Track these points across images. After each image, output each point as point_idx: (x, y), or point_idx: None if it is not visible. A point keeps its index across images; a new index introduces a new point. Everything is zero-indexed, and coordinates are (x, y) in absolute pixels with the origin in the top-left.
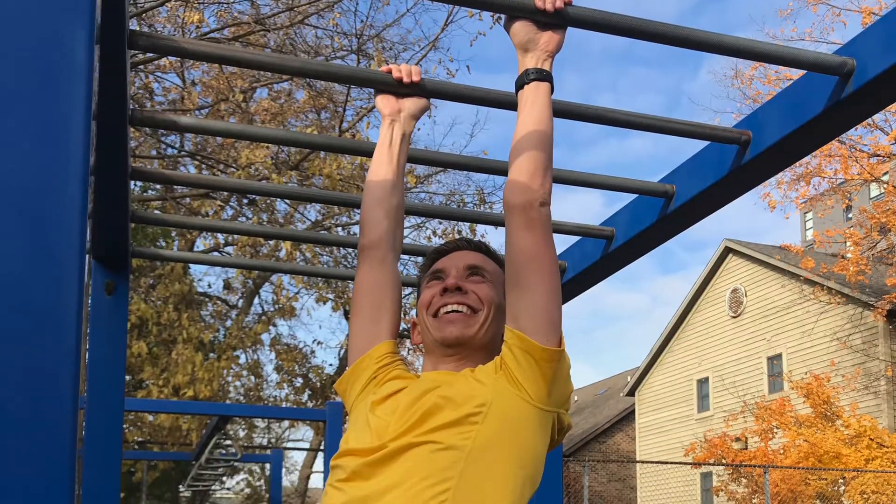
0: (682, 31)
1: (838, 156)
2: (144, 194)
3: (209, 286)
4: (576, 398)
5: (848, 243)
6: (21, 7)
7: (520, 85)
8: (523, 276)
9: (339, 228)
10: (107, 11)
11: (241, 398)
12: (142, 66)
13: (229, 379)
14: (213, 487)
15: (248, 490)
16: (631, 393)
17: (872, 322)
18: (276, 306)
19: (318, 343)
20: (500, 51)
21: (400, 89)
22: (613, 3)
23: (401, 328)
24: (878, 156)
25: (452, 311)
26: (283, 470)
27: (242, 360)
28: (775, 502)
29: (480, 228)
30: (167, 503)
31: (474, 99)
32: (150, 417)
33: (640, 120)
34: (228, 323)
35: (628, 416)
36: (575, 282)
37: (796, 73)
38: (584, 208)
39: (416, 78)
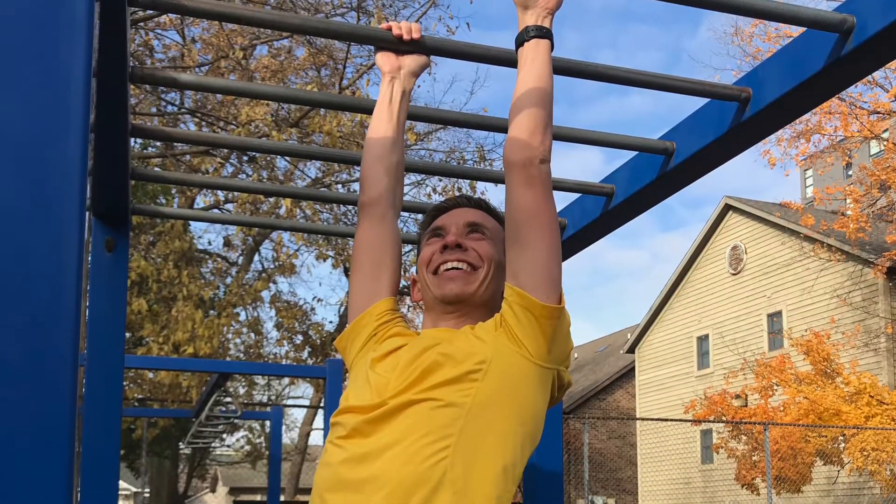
0: None
1: (838, 113)
2: (144, 151)
3: (209, 243)
4: (576, 355)
5: (848, 200)
6: None
7: (520, 42)
8: (523, 233)
9: (339, 185)
10: None
11: (241, 355)
12: (142, 24)
13: (229, 336)
14: (213, 444)
15: (248, 447)
16: (631, 350)
17: (872, 279)
18: (276, 263)
19: (318, 300)
20: (500, 8)
21: (400, 46)
22: None
23: (401, 285)
24: (878, 113)
25: (452, 269)
26: (283, 427)
27: (242, 317)
28: (775, 459)
29: (480, 185)
30: (167, 460)
31: (474, 56)
32: (150, 374)
33: (640, 77)
34: (228, 280)
35: (628, 374)
36: (575, 239)
37: (796, 31)
38: (584, 166)
39: (416, 35)
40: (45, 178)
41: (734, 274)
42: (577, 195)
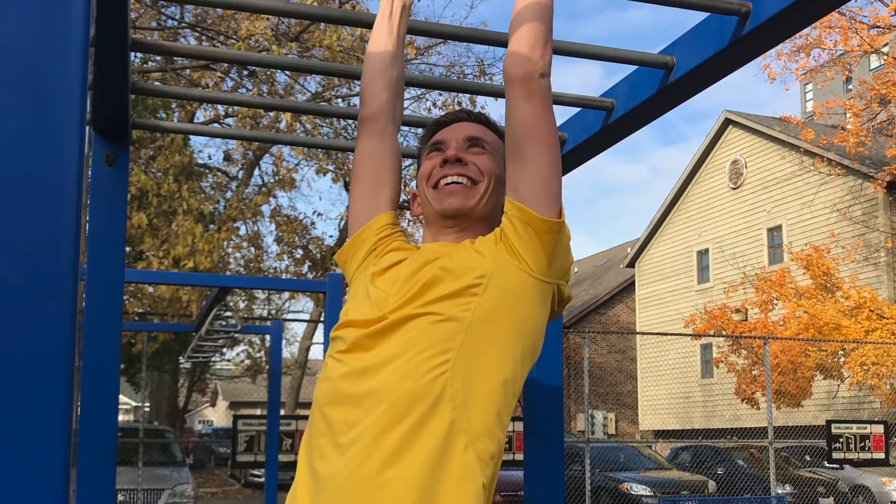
0: None
1: (838, 27)
2: (145, 66)
3: (209, 157)
4: (576, 269)
5: (848, 114)
6: None
7: None
8: (523, 147)
9: (340, 100)
10: None
11: (241, 269)
12: None
13: (229, 250)
14: (213, 359)
15: (248, 361)
16: (631, 264)
17: (872, 193)
18: (277, 178)
19: (319, 214)
20: None
21: None
22: None
23: (401, 200)
24: (878, 27)
25: (452, 183)
26: (283, 341)
27: (242, 231)
28: (775, 373)
29: (480, 100)
30: (167, 374)
31: None
32: (150, 289)
33: None
34: (228, 194)
35: (628, 288)
36: (575, 153)
37: None
38: (584, 80)
39: None
40: (46, 93)
41: (734, 188)
42: (577, 109)
